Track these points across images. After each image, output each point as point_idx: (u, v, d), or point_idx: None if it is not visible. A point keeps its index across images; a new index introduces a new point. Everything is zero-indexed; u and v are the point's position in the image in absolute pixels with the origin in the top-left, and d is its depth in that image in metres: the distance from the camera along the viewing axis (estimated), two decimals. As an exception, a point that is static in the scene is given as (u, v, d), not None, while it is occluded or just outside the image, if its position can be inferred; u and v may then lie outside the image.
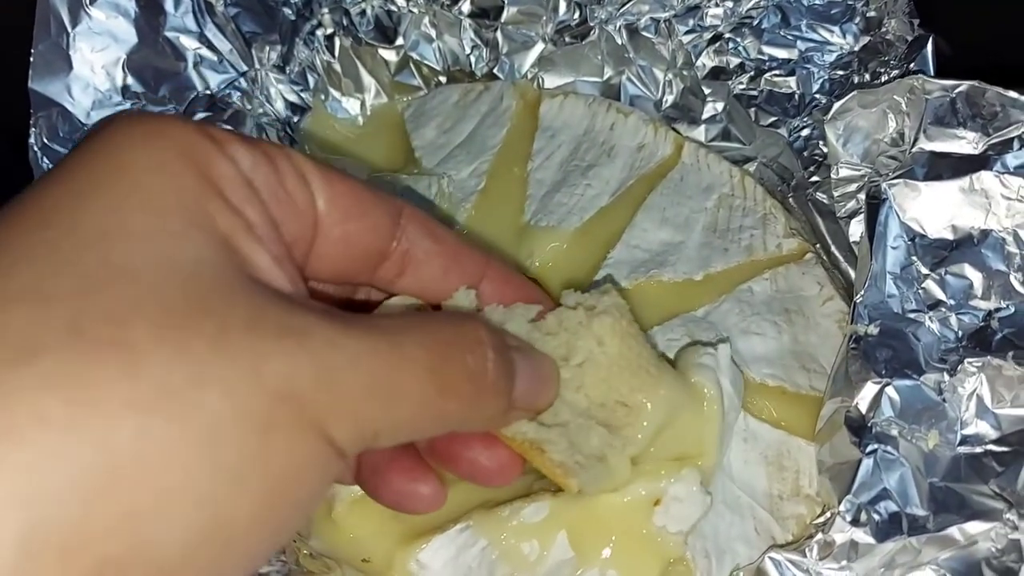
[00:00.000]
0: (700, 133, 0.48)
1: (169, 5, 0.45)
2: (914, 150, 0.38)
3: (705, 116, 0.48)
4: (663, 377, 0.31)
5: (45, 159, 0.42)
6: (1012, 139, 0.37)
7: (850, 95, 0.40)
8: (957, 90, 0.38)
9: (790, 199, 0.45)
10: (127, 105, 0.44)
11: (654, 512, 0.34)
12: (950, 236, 0.37)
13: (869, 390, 0.35)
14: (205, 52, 0.46)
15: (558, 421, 0.29)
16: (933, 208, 0.37)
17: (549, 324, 0.30)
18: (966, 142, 0.38)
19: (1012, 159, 0.37)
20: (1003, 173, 0.36)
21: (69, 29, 0.43)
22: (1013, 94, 0.37)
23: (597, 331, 0.30)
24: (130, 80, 0.44)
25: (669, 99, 0.48)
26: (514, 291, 0.30)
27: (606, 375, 0.30)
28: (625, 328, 0.30)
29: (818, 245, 0.44)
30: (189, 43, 0.46)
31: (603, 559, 0.34)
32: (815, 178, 0.44)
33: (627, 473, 0.31)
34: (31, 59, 0.42)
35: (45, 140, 0.42)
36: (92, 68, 0.43)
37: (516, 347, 0.26)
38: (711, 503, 0.34)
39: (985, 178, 0.37)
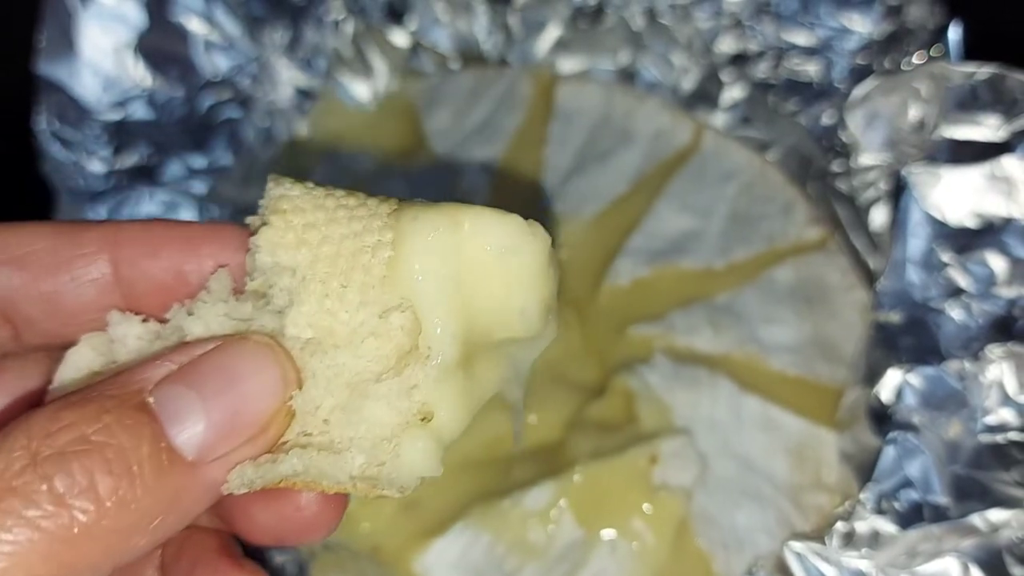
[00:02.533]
0: (718, 120, 0.47)
1: (179, -12, 0.44)
2: (935, 137, 0.38)
3: (723, 103, 0.47)
4: (412, 240, 0.20)
5: (57, 143, 0.41)
6: (1035, 125, 0.37)
7: (871, 82, 0.40)
8: (978, 76, 0.38)
9: (809, 187, 0.45)
10: (136, 92, 0.44)
11: (652, 472, 0.33)
12: (972, 224, 0.37)
13: (890, 378, 0.35)
14: (214, 36, 0.46)
15: (322, 416, 0.21)
16: (955, 195, 0.37)
17: (253, 288, 0.21)
18: (988, 128, 0.37)
19: (1035, 145, 0.36)
20: (1026, 160, 0.36)
21: (78, 12, 0.42)
22: (1035, 80, 0.37)
23: (273, 258, 0.20)
24: (140, 64, 0.43)
25: (686, 86, 0.48)
26: (174, 252, 0.21)
27: (332, 302, 0.20)
28: (300, 225, 0.20)
29: (837, 234, 0.43)
30: (199, 27, 0.45)
31: (614, 531, 0.34)
32: (835, 166, 0.44)
33: (464, 404, 0.21)
34: (39, 43, 0.41)
35: (58, 124, 0.41)
36: (101, 52, 0.43)
37: (166, 383, 0.18)
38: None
39: (1007, 165, 0.36)
